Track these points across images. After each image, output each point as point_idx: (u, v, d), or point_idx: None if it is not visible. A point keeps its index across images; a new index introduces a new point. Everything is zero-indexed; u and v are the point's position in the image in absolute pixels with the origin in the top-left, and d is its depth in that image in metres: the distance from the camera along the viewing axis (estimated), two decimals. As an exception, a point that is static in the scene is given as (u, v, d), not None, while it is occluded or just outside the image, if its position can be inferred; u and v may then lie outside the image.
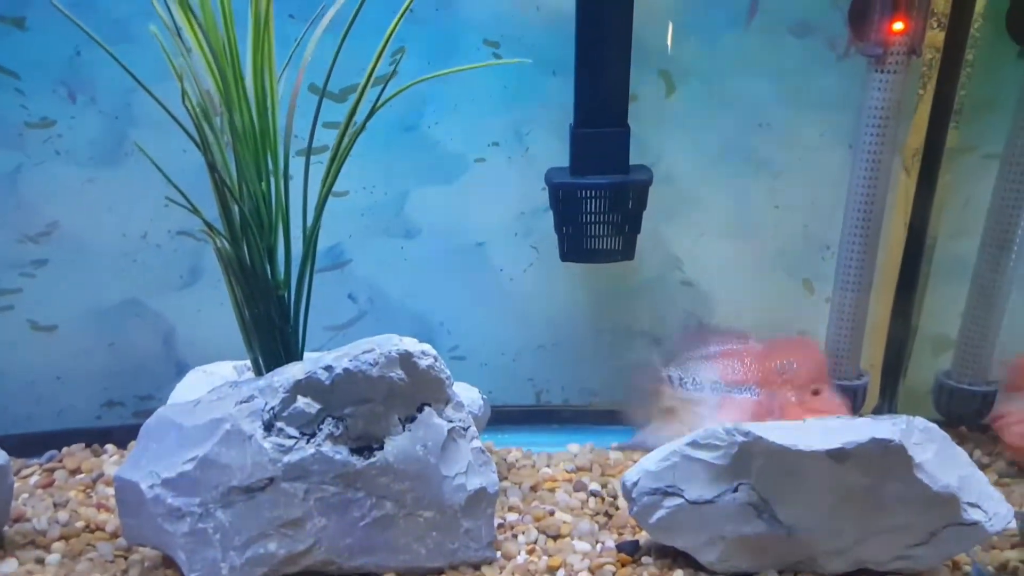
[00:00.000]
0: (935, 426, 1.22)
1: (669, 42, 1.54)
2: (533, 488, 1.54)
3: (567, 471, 1.59)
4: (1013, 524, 1.21)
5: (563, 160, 1.56)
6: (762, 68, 1.55)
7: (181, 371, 1.54)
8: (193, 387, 1.46)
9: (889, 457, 1.16)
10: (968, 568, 1.35)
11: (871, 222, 1.56)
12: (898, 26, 1.43)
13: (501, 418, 1.75)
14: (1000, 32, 1.51)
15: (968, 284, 1.62)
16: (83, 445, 1.64)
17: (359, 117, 1.18)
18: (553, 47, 1.51)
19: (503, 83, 1.56)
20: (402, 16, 1.17)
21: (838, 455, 1.17)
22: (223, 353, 1.54)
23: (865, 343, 1.66)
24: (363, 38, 1.29)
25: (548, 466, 1.61)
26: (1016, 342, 1.64)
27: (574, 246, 1.59)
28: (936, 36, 1.53)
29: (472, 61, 1.53)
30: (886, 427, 1.19)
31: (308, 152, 1.18)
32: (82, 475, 1.53)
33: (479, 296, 1.71)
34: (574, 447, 1.68)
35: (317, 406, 1.17)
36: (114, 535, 1.35)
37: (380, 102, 1.19)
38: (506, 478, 1.57)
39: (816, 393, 1.47)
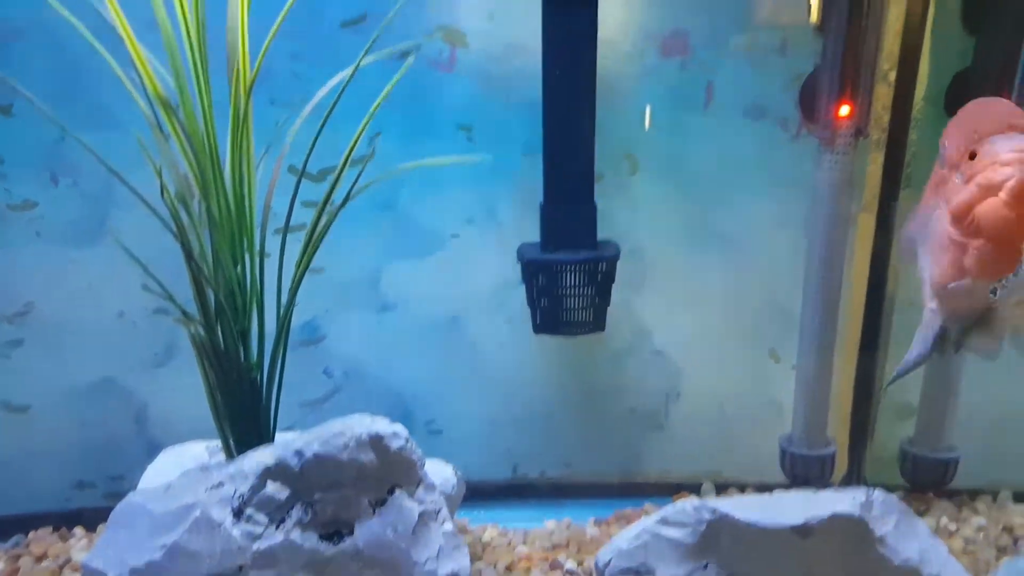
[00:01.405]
0: (894, 497, 1.25)
1: (631, 126, 1.61)
2: (508, 568, 1.53)
3: (543, 549, 1.59)
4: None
5: (534, 235, 1.61)
6: (720, 148, 1.62)
7: (153, 450, 1.54)
8: (164, 469, 1.45)
9: (851, 532, 1.18)
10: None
11: (829, 292, 1.61)
12: (845, 110, 1.51)
13: (477, 493, 1.75)
14: (940, 112, 1.59)
15: (926, 352, 1.67)
16: (50, 529, 1.62)
17: (337, 197, 1.23)
18: (523, 130, 1.57)
19: (477, 164, 1.61)
20: (378, 105, 1.23)
21: (802, 531, 1.19)
22: (196, 432, 1.54)
23: (832, 411, 1.70)
24: (339, 121, 1.34)
25: (524, 543, 1.61)
26: (974, 410, 1.68)
27: (547, 319, 1.63)
28: (882, 117, 1.62)
29: (446, 144, 1.59)
30: (847, 501, 1.21)
31: (284, 233, 1.22)
32: (48, 561, 1.51)
33: (455, 369, 1.74)
34: (551, 523, 1.67)
35: (287, 491, 1.17)
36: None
37: (355, 188, 1.23)
38: (481, 558, 1.57)
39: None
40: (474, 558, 1.56)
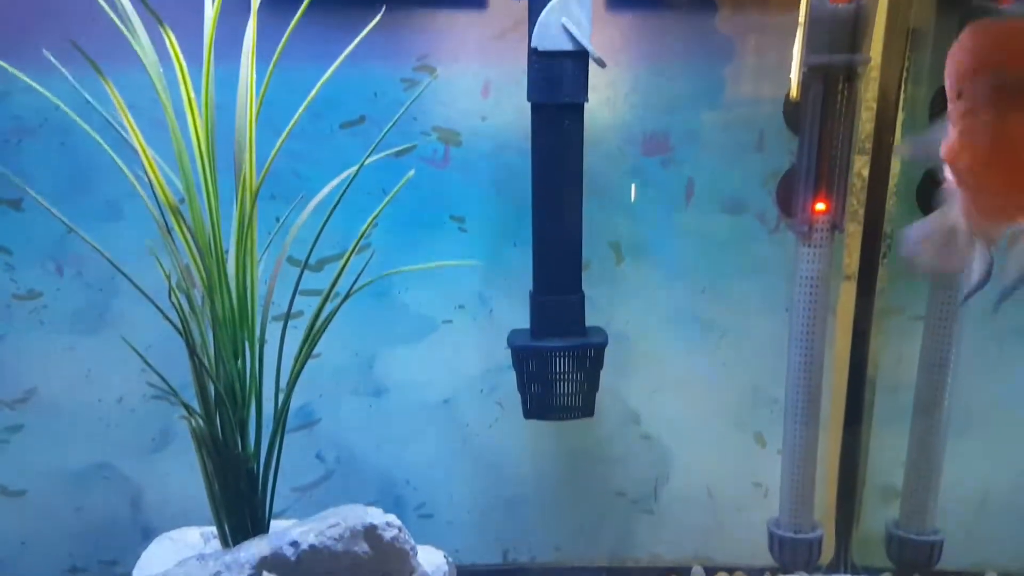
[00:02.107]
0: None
1: (617, 219, 1.69)
2: (498, 654, 1.54)
3: (533, 634, 1.60)
4: None
5: (524, 322, 1.66)
6: (702, 240, 1.70)
7: (147, 536, 1.55)
8: (159, 555, 1.46)
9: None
10: None
11: (812, 378, 1.66)
12: (820, 206, 1.59)
13: (467, 577, 1.77)
14: (912, 208, 1.68)
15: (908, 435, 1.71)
16: (42, 615, 1.63)
17: (339, 287, 1.29)
18: (513, 221, 1.65)
19: (469, 253, 1.68)
20: (379, 211, 1.30)
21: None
22: (190, 516, 1.55)
23: (819, 494, 1.72)
24: (336, 212, 1.42)
25: (514, 628, 1.62)
26: (954, 488, 1.72)
27: (537, 405, 1.66)
28: (859, 211, 1.70)
29: (439, 234, 1.66)
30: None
31: (285, 323, 1.27)
32: (39, 650, 1.50)
33: (446, 453, 1.76)
34: (541, 607, 1.69)
35: (282, 581, 1.20)
36: None
37: (355, 287, 1.29)
38: (471, 643, 1.57)
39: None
40: (465, 647, 1.57)
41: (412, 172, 1.37)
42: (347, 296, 1.28)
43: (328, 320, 1.27)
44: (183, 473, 1.66)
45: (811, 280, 1.62)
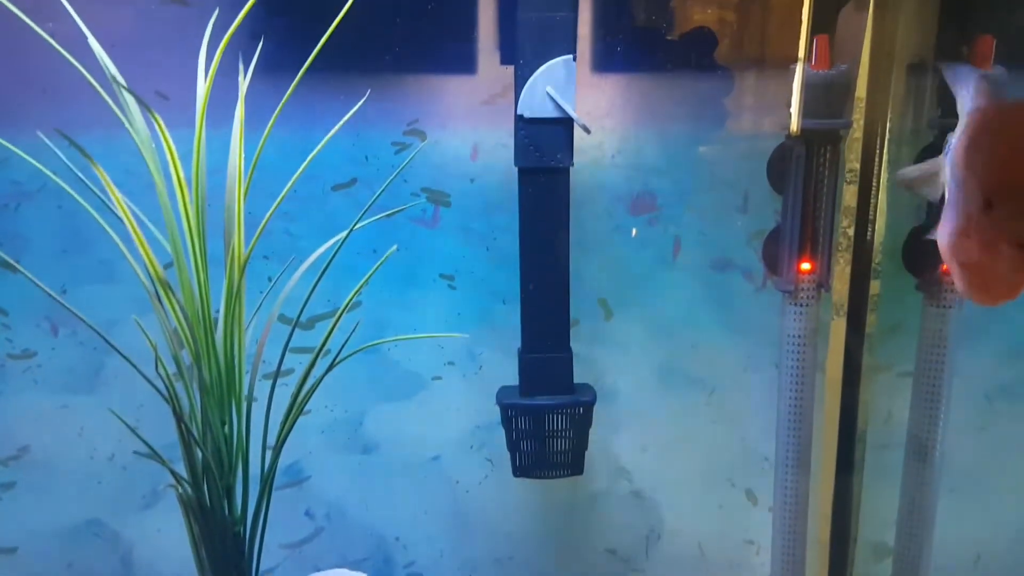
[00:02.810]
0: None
1: (605, 276, 1.71)
2: None
3: None
4: None
5: (514, 378, 1.67)
6: (689, 297, 1.72)
7: (136, 593, 1.57)
8: (146, 615, 1.47)
9: None
10: None
11: (801, 436, 1.66)
12: (806, 266, 1.61)
13: (458, 635, 1.76)
14: (899, 266, 1.70)
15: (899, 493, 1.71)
16: (29, 674, 1.62)
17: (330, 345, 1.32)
18: (502, 279, 1.67)
19: (458, 310, 1.70)
20: (370, 276, 1.32)
21: None
22: (179, 574, 1.56)
23: (810, 552, 1.71)
24: (336, 273, 1.44)
25: None
26: (947, 547, 1.70)
27: (526, 462, 1.66)
28: (845, 269, 1.72)
29: (429, 292, 1.68)
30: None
31: (274, 382, 1.28)
32: None
33: (435, 510, 1.76)
34: (530, 667, 1.68)
35: (265, 646, 1.20)
36: None
37: (340, 355, 1.31)
38: None
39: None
40: None
41: (395, 248, 1.40)
42: (333, 363, 1.30)
43: (317, 382, 1.29)
44: (173, 530, 1.67)
45: (798, 338, 1.63)
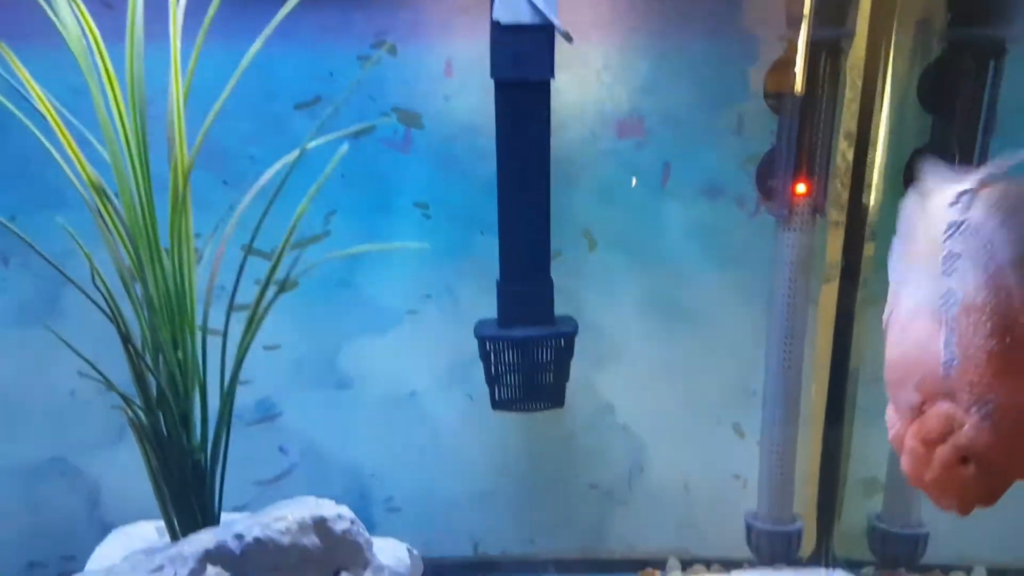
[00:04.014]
0: (853, 576, 1.22)
1: (589, 205, 1.62)
2: (465, 648, 1.50)
3: (502, 628, 1.56)
4: None
5: (492, 312, 1.60)
6: (678, 226, 1.63)
7: (106, 530, 1.50)
8: (113, 550, 1.42)
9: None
10: None
11: (791, 367, 1.60)
12: (801, 189, 1.53)
13: (438, 571, 1.72)
14: (899, 189, 1.61)
15: (891, 428, 1.65)
16: (0, 610, 1.60)
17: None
18: (480, 207, 1.58)
19: (434, 241, 1.62)
20: (318, 186, 1.24)
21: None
22: (149, 511, 1.50)
23: (799, 486, 1.67)
24: (297, 200, 1.36)
25: (483, 623, 1.58)
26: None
27: (505, 395, 1.61)
28: (843, 194, 1.64)
29: (403, 222, 1.60)
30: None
31: (228, 312, 1.22)
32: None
33: (413, 446, 1.71)
34: (512, 601, 1.65)
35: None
36: None
37: (303, 268, 1.23)
38: (438, 639, 1.53)
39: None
40: (431, 642, 1.53)
41: (345, 147, 1.29)
42: (284, 284, 1.22)
43: (270, 304, 1.22)
44: (140, 468, 1.60)
45: (791, 266, 1.56)
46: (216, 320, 1.27)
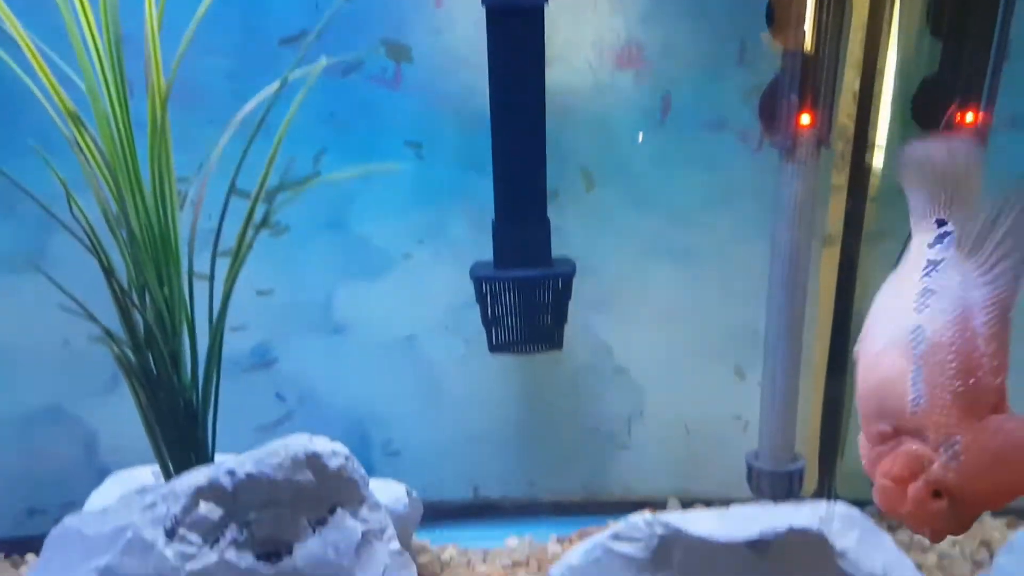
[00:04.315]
0: (857, 511, 1.21)
1: (586, 141, 1.58)
2: (466, 587, 1.50)
3: (503, 567, 1.56)
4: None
5: (488, 254, 1.58)
6: (679, 162, 1.59)
7: (104, 477, 1.51)
8: (109, 494, 1.43)
9: (809, 546, 1.14)
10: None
11: (794, 307, 1.57)
12: (805, 119, 1.48)
13: (438, 514, 1.72)
14: (907, 118, 1.56)
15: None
16: (2, 556, 1.60)
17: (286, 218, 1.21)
18: (473, 146, 1.54)
19: (427, 181, 1.59)
20: (289, 119, 1.21)
21: (758, 545, 1.15)
22: (146, 459, 1.50)
23: (800, 427, 1.65)
24: (287, 141, 1.33)
25: (484, 562, 1.58)
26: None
27: (502, 338, 1.59)
28: (848, 126, 1.59)
29: (394, 162, 1.56)
30: (805, 515, 1.17)
31: (214, 253, 1.20)
32: (-3, 589, 1.48)
33: (411, 390, 1.70)
34: (512, 541, 1.65)
35: (220, 512, 1.15)
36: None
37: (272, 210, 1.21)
38: (439, 578, 1.53)
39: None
40: (431, 581, 1.53)
41: (323, 61, 1.25)
42: (267, 217, 1.19)
43: (252, 240, 1.19)
44: (137, 415, 1.61)
45: (795, 200, 1.52)
46: (203, 263, 1.25)
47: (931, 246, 0.72)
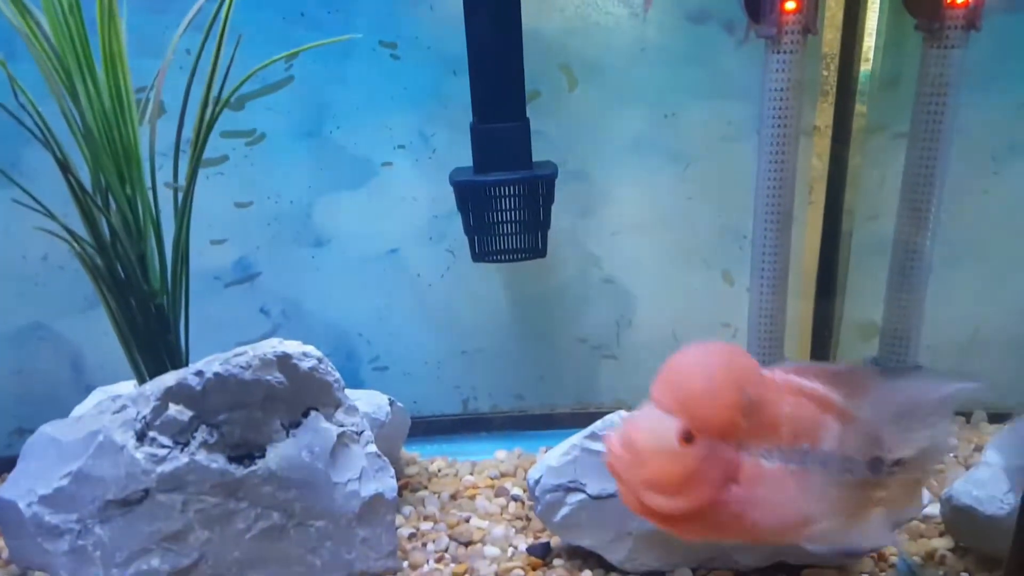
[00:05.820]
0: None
1: (567, 37, 1.52)
2: (453, 496, 1.50)
3: (491, 478, 1.56)
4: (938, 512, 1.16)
5: (470, 160, 1.54)
6: (663, 58, 1.54)
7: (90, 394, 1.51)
8: (92, 405, 1.43)
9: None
10: (894, 559, 1.30)
11: (782, 208, 1.52)
12: (790, 5, 1.41)
13: (430, 429, 1.72)
14: (898, 6, 1.49)
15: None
16: (-8, 472, 1.62)
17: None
18: (451, 46, 1.49)
19: (403, 85, 1.54)
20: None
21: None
22: (131, 374, 1.50)
23: (792, 333, 1.62)
24: (258, 44, 1.29)
25: (471, 474, 1.58)
26: (940, 324, 1.60)
27: (484, 246, 1.56)
28: (837, 14, 1.52)
29: (369, 63, 1.52)
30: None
31: (176, 152, 1.17)
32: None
33: (397, 304, 1.68)
34: (501, 454, 1.65)
35: (189, 413, 1.14)
36: (8, 561, 1.30)
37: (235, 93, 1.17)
38: (426, 487, 1.53)
39: None
40: (420, 488, 1.53)
41: None
42: (226, 100, 1.15)
43: (209, 128, 1.15)
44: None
45: (781, 92, 1.46)
46: (178, 173, 1.22)
47: None
